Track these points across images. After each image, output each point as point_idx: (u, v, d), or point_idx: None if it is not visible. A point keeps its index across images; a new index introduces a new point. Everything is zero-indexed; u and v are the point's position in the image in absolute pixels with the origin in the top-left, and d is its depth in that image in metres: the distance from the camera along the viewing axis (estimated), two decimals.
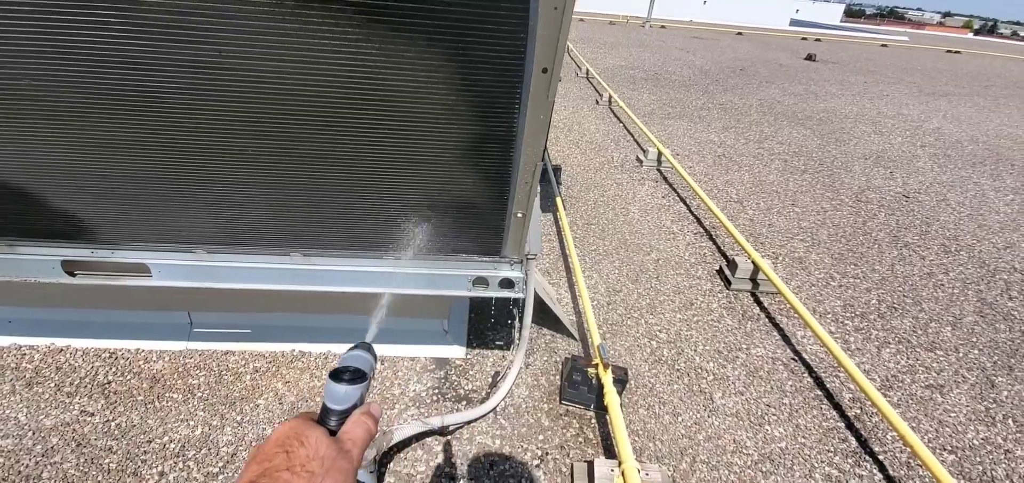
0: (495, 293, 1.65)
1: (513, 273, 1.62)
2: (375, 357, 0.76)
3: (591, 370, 2.10)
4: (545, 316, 2.47)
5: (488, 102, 0.98)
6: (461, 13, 0.82)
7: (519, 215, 1.35)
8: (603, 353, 2.12)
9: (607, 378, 2.01)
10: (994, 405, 2.32)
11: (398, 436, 1.73)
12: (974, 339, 2.74)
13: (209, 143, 1.14)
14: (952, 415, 2.25)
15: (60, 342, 2.12)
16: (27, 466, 1.73)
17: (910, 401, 2.31)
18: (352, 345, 0.76)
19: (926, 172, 5.24)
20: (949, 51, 18.39)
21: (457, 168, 1.15)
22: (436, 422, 1.81)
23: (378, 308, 0.89)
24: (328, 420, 0.63)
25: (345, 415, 0.64)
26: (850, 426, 2.16)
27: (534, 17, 0.79)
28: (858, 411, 2.25)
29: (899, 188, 4.75)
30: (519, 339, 2.15)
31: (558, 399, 2.15)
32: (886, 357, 2.57)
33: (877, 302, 3.03)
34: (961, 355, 2.61)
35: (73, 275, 1.51)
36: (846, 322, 2.84)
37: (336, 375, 0.67)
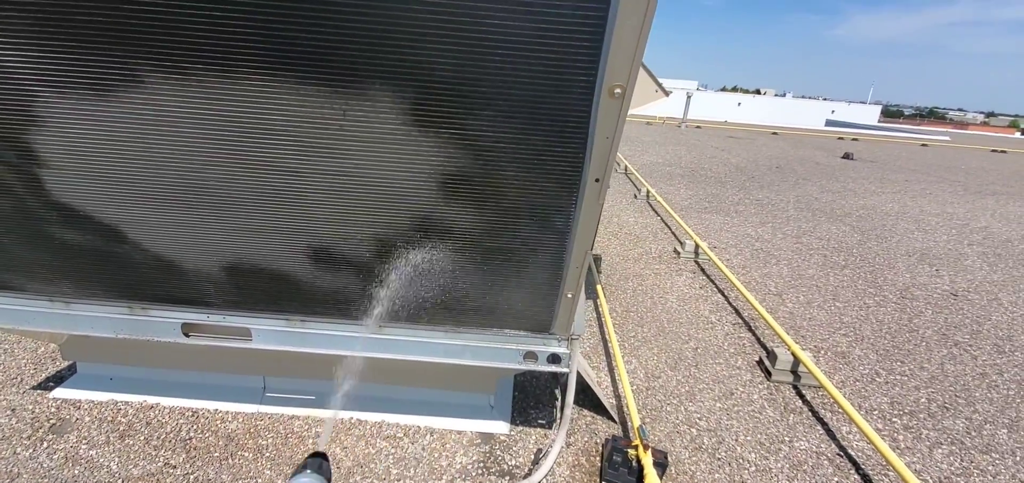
0: (543, 367, 1.81)
1: (560, 349, 1.79)
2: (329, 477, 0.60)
3: (631, 451, 2.17)
4: (586, 397, 2.57)
5: (550, 203, 1.22)
6: (531, 141, 1.07)
7: (569, 296, 1.55)
8: (643, 435, 2.19)
9: (647, 460, 2.08)
10: None
11: None
12: None
13: (340, 233, 1.42)
14: None
15: (151, 399, 2.37)
16: None
17: None
18: (300, 468, 0.60)
19: (975, 271, 5.15)
20: (994, 151, 18.13)
21: (521, 255, 1.37)
22: None
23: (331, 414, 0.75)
24: None
25: None
26: None
27: (590, 143, 1.03)
28: None
29: (946, 286, 4.69)
30: (562, 417, 2.26)
31: (598, 479, 2.21)
32: (938, 458, 2.51)
33: (927, 401, 2.97)
34: (1018, 458, 2.52)
35: (187, 336, 1.78)
36: (894, 420, 2.80)
37: None
